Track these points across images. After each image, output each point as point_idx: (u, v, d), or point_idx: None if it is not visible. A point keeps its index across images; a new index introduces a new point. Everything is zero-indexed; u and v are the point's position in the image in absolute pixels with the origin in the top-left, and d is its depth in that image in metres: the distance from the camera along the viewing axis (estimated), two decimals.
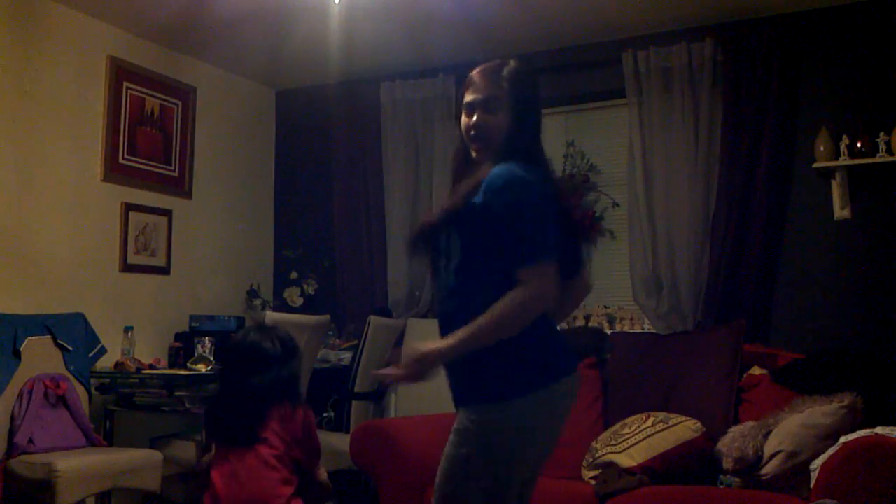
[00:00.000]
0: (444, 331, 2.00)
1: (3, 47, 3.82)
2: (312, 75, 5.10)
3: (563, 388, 1.98)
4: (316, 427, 2.72)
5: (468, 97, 2.05)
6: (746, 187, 3.99)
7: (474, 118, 2.03)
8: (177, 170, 4.71)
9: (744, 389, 3.48)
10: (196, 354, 4.12)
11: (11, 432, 3.41)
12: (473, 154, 2.06)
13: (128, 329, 4.14)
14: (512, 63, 2.06)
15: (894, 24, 3.86)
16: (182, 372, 3.99)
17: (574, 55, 4.53)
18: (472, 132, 2.03)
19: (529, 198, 1.92)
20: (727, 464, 3.08)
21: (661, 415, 3.30)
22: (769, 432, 3.07)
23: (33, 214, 3.93)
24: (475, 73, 2.07)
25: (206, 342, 4.16)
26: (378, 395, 4.51)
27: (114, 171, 4.32)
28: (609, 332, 4.28)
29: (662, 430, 3.20)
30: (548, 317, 2.00)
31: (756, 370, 3.54)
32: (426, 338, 2.01)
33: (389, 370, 1.99)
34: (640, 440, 3.19)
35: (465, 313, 1.92)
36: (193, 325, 4.54)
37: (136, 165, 4.46)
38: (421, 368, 1.93)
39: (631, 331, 4.33)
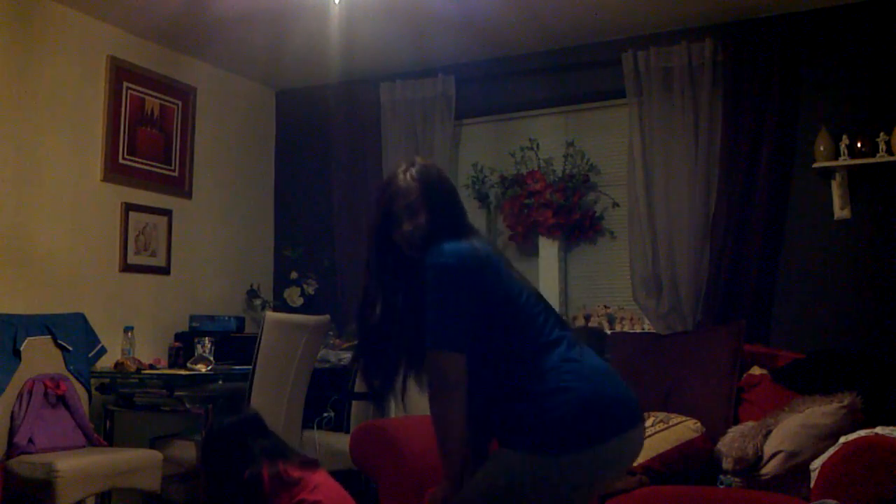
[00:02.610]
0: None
1: (3, 47, 3.81)
2: (312, 75, 5.10)
3: (594, 456, 1.88)
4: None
5: (394, 209, 2.09)
6: (746, 187, 3.99)
7: (405, 227, 2.07)
8: (177, 170, 4.71)
9: (744, 389, 3.47)
10: (196, 354, 4.11)
11: (11, 432, 3.42)
12: (414, 256, 2.09)
13: (128, 329, 4.14)
14: (416, 163, 2.13)
15: (894, 24, 3.86)
16: (182, 372, 3.99)
17: (574, 55, 4.53)
18: (408, 243, 2.08)
19: (442, 281, 1.96)
20: (727, 464, 3.08)
21: (661, 415, 3.29)
22: (769, 432, 3.06)
23: (33, 214, 3.93)
24: (385, 184, 2.14)
25: (206, 342, 4.14)
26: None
27: (114, 171, 4.32)
28: (609, 332, 4.27)
29: (662, 430, 3.20)
30: (589, 370, 1.96)
31: (756, 370, 3.53)
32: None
33: None
34: None
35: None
36: (193, 325, 4.54)
37: (136, 165, 4.46)
38: None
39: (631, 331, 4.33)
